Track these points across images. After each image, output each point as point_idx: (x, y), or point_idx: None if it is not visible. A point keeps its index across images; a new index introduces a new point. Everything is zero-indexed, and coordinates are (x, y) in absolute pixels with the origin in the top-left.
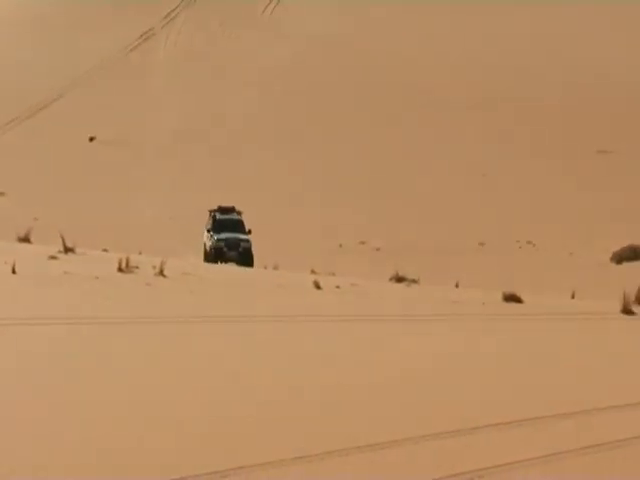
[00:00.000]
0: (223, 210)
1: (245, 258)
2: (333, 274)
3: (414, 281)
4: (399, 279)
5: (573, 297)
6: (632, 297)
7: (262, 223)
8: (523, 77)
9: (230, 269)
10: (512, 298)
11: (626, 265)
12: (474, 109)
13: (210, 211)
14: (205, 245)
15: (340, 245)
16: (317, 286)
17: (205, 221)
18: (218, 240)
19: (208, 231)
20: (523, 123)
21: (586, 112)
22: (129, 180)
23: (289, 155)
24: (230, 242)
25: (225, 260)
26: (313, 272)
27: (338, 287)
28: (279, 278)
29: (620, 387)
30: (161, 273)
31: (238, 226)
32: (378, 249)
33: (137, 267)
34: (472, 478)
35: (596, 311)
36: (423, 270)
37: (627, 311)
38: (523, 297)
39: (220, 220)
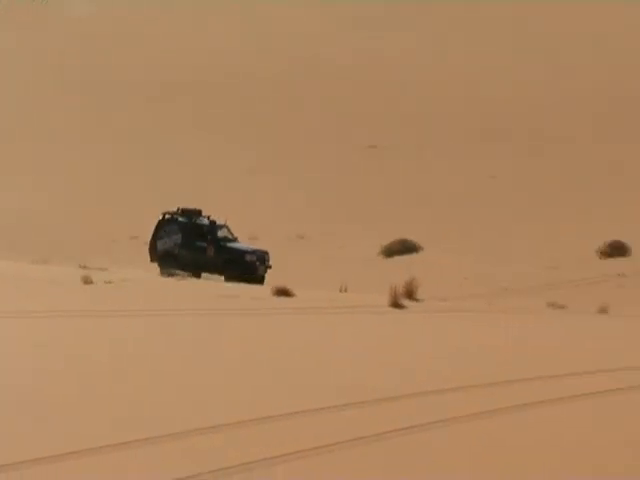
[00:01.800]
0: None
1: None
2: (105, 269)
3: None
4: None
5: (344, 290)
6: (401, 290)
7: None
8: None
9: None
10: (282, 292)
11: (397, 259)
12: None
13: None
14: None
15: (113, 240)
16: (87, 281)
17: None
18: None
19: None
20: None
21: (356, 107)
22: None
23: (55, 152)
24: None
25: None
26: (83, 267)
27: (109, 282)
28: (47, 273)
29: (395, 377)
30: None
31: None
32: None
33: None
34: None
35: (365, 304)
36: None
37: (396, 304)
38: (293, 291)
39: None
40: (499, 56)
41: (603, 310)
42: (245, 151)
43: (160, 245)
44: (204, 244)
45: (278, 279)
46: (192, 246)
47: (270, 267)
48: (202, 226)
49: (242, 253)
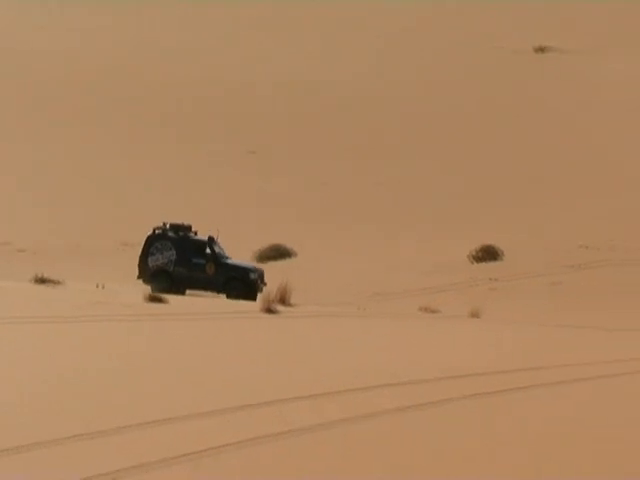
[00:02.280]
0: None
1: None
2: None
3: (58, 282)
4: (42, 280)
5: (217, 296)
6: (274, 296)
7: None
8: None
9: None
10: (155, 299)
11: (270, 264)
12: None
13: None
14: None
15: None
16: None
17: None
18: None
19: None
20: (168, 125)
21: (237, 113)
22: None
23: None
24: None
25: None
26: None
27: None
28: None
29: (257, 383)
30: None
31: None
32: (22, 250)
33: None
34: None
35: (239, 310)
36: (70, 271)
37: (269, 310)
38: (166, 298)
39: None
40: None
41: (475, 314)
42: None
43: (152, 262)
44: (202, 261)
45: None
46: (188, 263)
47: (265, 284)
48: (200, 242)
49: (246, 271)
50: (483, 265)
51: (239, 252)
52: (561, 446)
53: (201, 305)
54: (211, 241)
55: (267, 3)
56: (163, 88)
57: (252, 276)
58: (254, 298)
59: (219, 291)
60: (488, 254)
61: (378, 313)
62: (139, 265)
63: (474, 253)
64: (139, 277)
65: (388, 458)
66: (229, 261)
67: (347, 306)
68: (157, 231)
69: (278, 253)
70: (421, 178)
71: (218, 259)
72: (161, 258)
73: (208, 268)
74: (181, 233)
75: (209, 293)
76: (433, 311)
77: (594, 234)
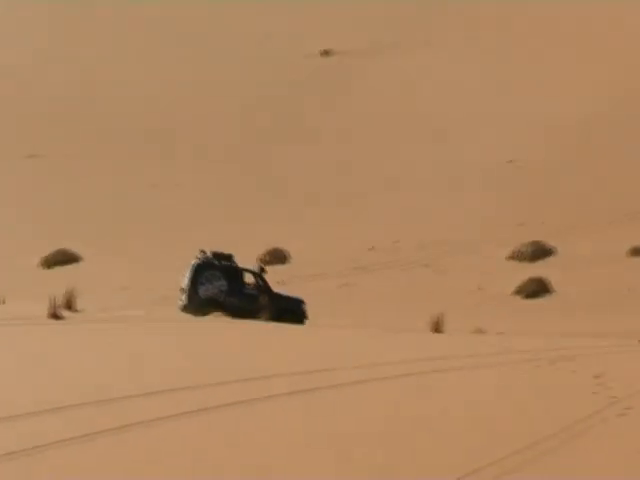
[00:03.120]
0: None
1: None
2: None
3: None
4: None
5: (2, 302)
6: (60, 301)
7: None
8: None
9: None
10: None
11: (57, 269)
12: None
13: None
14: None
15: None
16: None
17: None
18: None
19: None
20: None
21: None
22: None
23: None
24: None
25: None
26: None
27: None
28: None
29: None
30: None
31: None
32: None
33: None
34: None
35: (24, 316)
36: None
37: (55, 316)
38: None
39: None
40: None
41: None
42: None
43: (202, 292)
44: (252, 291)
45: None
46: (240, 293)
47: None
48: (250, 272)
49: (298, 303)
50: (271, 268)
51: (24, 257)
52: (360, 445)
53: None
54: (262, 271)
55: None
56: None
57: (304, 308)
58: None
59: (271, 320)
60: (275, 257)
61: (165, 317)
62: (189, 295)
63: (262, 256)
64: (185, 308)
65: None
66: (280, 292)
67: (134, 310)
68: (204, 259)
69: (65, 258)
70: (201, 181)
71: (270, 290)
72: (211, 288)
73: (262, 299)
74: (225, 262)
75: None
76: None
77: (380, 236)
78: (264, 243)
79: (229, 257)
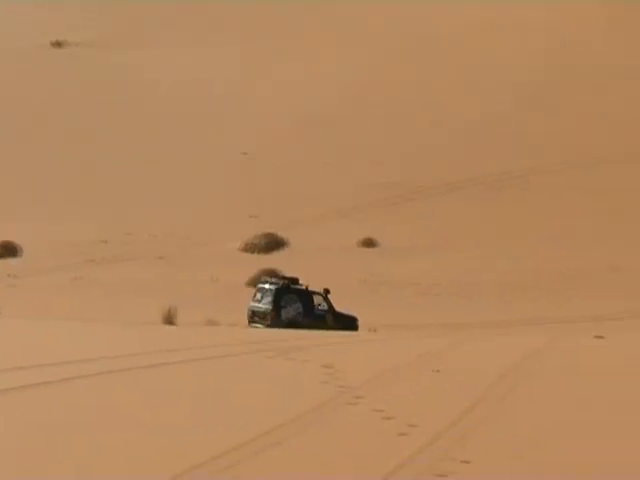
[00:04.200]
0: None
1: None
2: None
3: None
4: None
5: None
6: None
7: None
8: None
9: None
10: None
11: None
12: None
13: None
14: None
15: None
16: None
17: None
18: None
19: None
20: None
21: None
22: None
23: None
24: None
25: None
26: None
27: None
28: None
29: None
30: None
31: None
32: None
33: None
34: None
35: None
36: None
37: None
38: None
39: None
40: None
41: None
42: None
43: (284, 314)
44: (321, 312)
45: None
46: (312, 314)
47: None
48: (319, 295)
49: (354, 320)
50: (1, 261)
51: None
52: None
53: None
54: (327, 293)
55: None
56: None
57: (357, 323)
58: None
59: None
60: (7, 250)
61: None
62: (272, 317)
63: None
64: (269, 326)
65: None
66: (342, 312)
67: None
68: (282, 284)
69: None
70: None
71: (334, 310)
72: (291, 310)
73: (328, 318)
74: (297, 286)
75: None
76: None
77: (112, 229)
78: None
79: (297, 281)
